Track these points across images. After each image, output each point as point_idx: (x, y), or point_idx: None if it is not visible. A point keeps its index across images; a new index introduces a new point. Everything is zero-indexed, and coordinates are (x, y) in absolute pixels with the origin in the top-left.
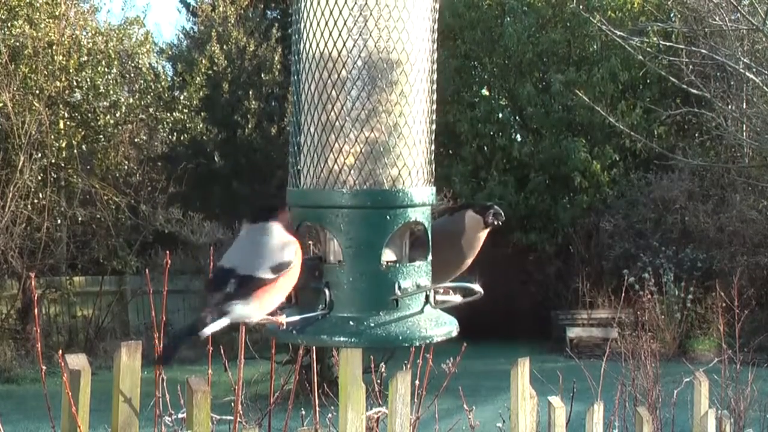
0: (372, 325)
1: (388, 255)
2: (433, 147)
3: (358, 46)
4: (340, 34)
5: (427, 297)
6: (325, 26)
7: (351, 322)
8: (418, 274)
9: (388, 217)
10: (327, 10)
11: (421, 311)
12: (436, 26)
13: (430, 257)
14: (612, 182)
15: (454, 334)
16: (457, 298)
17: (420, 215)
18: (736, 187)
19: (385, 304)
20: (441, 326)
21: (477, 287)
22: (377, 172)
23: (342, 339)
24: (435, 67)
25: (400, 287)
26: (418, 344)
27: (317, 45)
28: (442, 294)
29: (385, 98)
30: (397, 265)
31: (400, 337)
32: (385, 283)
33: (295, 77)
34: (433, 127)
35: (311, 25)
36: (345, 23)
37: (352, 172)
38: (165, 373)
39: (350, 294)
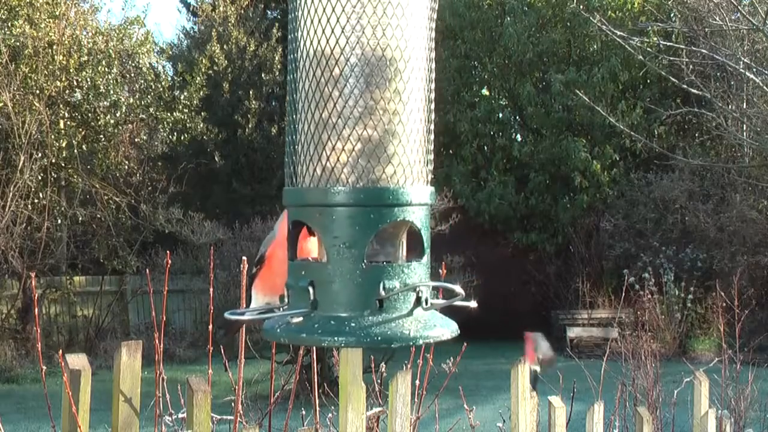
0: (353, 325)
1: (378, 255)
2: (432, 146)
3: (353, 43)
4: (333, 31)
5: (418, 298)
6: (319, 24)
7: (332, 322)
8: (407, 274)
9: (372, 215)
10: (321, 7)
11: (410, 313)
12: (433, 24)
13: (425, 258)
14: (612, 182)
15: (447, 337)
16: (452, 300)
17: (411, 215)
18: (736, 187)
19: (369, 304)
20: (430, 329)
21: (458, 288)
22: (369, 171)
23: (322, 338)
24: (433, 65)
25: (385, 287)
26: (401, 345)
27: (311, 42)
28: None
29: (379, 96)
30: (383, 264)
31: (379, 338)
32: (368, 283)
33: (290, 75)
34: (431, 126)
35: (306, 22)
36: (339, 20)
37: (344, 170)
38: (165, 372)
39: (333, 293)
